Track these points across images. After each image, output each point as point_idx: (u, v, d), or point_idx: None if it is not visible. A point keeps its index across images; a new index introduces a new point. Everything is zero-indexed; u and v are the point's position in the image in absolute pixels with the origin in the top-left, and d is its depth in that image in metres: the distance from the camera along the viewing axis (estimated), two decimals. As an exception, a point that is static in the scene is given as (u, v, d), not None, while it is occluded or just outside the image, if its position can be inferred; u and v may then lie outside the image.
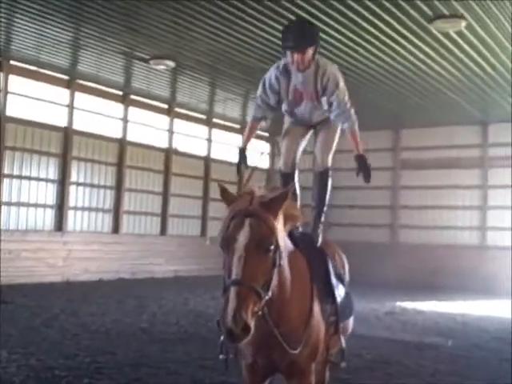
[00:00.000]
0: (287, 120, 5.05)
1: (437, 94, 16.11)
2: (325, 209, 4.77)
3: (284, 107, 4.92)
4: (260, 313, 2.94)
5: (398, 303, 14.57)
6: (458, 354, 8.55)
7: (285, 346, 3.33)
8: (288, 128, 5.03)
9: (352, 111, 4.64)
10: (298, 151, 4.97)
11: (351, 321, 4.48)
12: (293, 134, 4.96)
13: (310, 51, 4.48)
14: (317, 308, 3.63)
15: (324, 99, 4.63)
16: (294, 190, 4.59)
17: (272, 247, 2.97)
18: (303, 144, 5.04)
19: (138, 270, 17.52)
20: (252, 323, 2.78)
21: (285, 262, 3.28)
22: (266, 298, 2.94)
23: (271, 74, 4.71)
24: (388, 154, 21.76)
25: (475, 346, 9.23)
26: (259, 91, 4.81)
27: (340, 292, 4.10)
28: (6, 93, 15.01)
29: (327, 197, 4.80)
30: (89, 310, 11.27)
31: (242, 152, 4.75)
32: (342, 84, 4.61)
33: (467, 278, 18.44)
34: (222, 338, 3.58)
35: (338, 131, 4.91)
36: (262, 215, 3.01)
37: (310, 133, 5.08)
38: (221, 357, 3.65)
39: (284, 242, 3.27)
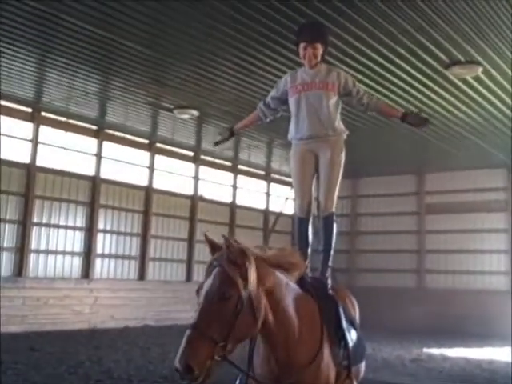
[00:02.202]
0: (293, 139, 5.00)
1: (458, 138, 16.17)
2: (332, 253, 4.83)
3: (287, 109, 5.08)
4: (218, 359, 3.04)
5: (425, 349, 14.39)
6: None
7: None
8: (296, 159, 4.95)
9: (374, 95, 5.19)
10: (312, 191, 4.95)
11: (363, 365, 4.51)
12: (302, 170, 4.89)
13: (321, 49, 4.92)
14: (327, 351, 3.69)
15: (345, 90, 4.93)
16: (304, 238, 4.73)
17: (231, 296, 3.09)
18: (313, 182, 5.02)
19: (163, 317, 17.56)
20: (197, 367, 2.92)
21: (284, 305, 3.42)
22: (222, 344, 3.03)
23: (284, 76, 5.15)
24: (413, 198, 21.75)
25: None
26: (272, 92, 5.21)
27: (352, 336, 4.15)
28: (37, 143, 15.49)
29: (333, 241, 4.84)
30: (113, 357, 11.35)
31: (229, 129, 5.20)
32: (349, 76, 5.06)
33: (495, 324, 18.12)
34: (237, 382, 3.72)
35: (341, 173, 4.88)
36: (224, 267, 3.18)
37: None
38: None
39: (273, 291, 3.38)
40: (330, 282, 4.46)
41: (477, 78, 11.66)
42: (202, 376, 2.97)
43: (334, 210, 4.79)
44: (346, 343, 3.99)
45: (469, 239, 20.25)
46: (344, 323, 4.07)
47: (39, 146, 15.58)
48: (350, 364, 4.01)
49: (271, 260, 3.49)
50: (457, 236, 20.49)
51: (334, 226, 4.82)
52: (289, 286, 3.57)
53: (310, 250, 4.74)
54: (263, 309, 3.28)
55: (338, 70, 5.05)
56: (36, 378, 8.79)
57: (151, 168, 18.55)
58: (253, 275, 3.23)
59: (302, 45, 4.92)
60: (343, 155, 4.90)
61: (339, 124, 4.92)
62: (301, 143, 4.92)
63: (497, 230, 19.93)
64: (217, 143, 5.17)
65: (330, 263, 4.71)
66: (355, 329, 4.30)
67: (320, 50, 4.92)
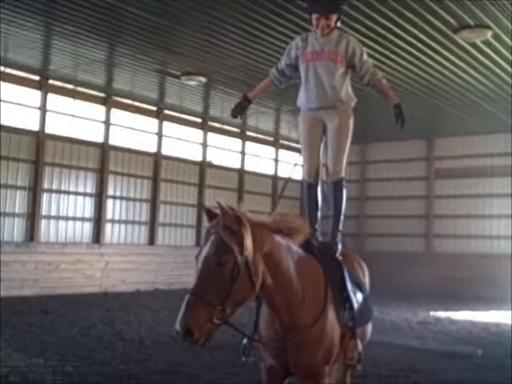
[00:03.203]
0: (302, 106, 5.00)
1: (468, 102, 16.09)
2: (341, 218, 4.87)
3: (297, 75, 5.01)
4: (218, 322, 3.16)
5: (432, 313, 14.55)
6: (487, 363, 8.56)
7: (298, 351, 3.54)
8: (304, 125, 4.95)
9: (378, 74, 4.95)
10: (320, 156, 4.96)
11: (370, 326, 4.61)
12: (310, 136, 4.90)
13: (334, 18, 4.77)
14: (331, 313, 3.80)
15: (350, 62, 4.84)
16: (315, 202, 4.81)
17: (226, 263, 3.18)
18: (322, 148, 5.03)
19: (173, 280, 17.83)
20: (197, 329, 3.06)
21: (285, 269, 3.53)
22: (220, 308, 3.14)
23: (295, 41, 4.98)
24: (422, 163, 21.75)
25: (507, 356, 9.19)
26: (282, 58, 5.06)
27: (358, 298, 4.25)
28: (45, 111, 15.57)
29: (343, 206, 4.88)
30: (125, 319, 11.58)
31: (244, 99, 5.04)
32: (365, 53, 4.92)
33: (502, 287, 18.27)
34: (244, 341, 3.85)
35: (349, 139, 4.89)
36: (220, 234, 3.26)
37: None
38: (243, 359, 3.92)
39: (271, 256, 3.46)
40: (339, 246, 4.54)
41: (486, 42, 11.56)
42: (203, 339, 3.11)
43: (343, 175, 4.81)
44: (351, 305, 4.09)
45: (477, 204, 20.30)
46: (349, 285, 4.17)
47: (48, 114, 15.66)
48: (354, 325, 4.12)
49: (271, 225, 3.59)
50: (465, 201, 20.55)
51: (344, 191, 4.87)
52: (291, 250, 3.66)
53: (319, 215, 4.81)
54: (260, 273, 3.37)
55: (348, 39, 4.88)
56: (49, 340, 9.01)
57: (159, 134, 18.62)
58: (248, 241, 3.31)
59: (314, 15, 4.76)
60: (351, 122, 4.90)
61: (347, 94, 4.87)
62: (309, 111, 4.94)
63: (505, 195, 19.93)
64: (234, 112, 5.07)
65: (339, 228, 4.78)
66: (362, 291, 4.39)
67: (334, 20, 4.78)
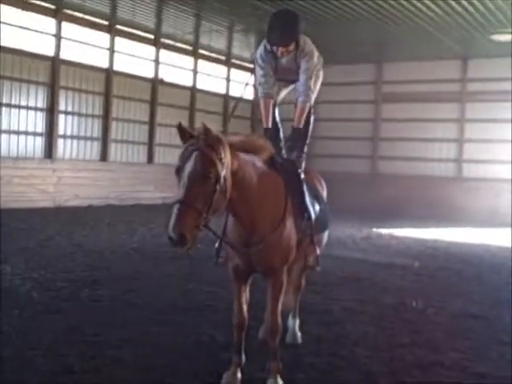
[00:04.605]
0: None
1: (418, 28, 16.39)
2: (307, 141, 5.35)
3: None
4: (201, 228, 3.61)
5: (375, 229, 15.40)
6: (423, 273, 9.39)
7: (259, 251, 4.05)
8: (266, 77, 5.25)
9: (312, 94, 5.20)
10: (276, 109, 5.40)
11: (326, 233, 5.22)
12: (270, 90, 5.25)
13: (293, 44, 5.00)
14: (289, 222, 4.30)
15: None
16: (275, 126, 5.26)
17: (211, 175, 3.60)
18: (282, 95, 5.57)
19: (126, 196, 18.14)
20: (188, 234, 3.48)
21: (248, 182, 3.98)
22: (205, 215, 3.59)
23: (261, 51, 5.20)
24: (370, 87, 22.22)
25: (441, 268, 10.07)
26: (257, 70, 5.27)
27: (316, 209, 4.76)
28: (-5, 22, 15.15)
29: (310, 129, 5.37)
30: (81, 232, 11.91)
31: (269, 131, 5.15)
32: (315, 60, 5.14)
33: (442, 207, 19.34)
34: (216, 245, 4.32)
35: (322, 73, 5.38)
36: (204, 149, 3.63)
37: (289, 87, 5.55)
38: (214, 261, 4.47)
39: (237, 171, 3.88)
40: (303, 164, 5.03)
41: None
42: (191, 243, 3.53)
43: (312, 101, 5.24)
44: (309, 215, 4.62)
45: (422, 128, 20.97)
46: (307, 198, 4.66)
47: (-2, 25, 15.25)
48: (312, 233, 4.65)
49: (238, 145, 4.02)
50: (411, 124, 21.20)
51: (312, 116, 5.40)
52: (255, 166, 4.10)
53: (281, 133, 5.24)
54: (230, 187, 3.81)
55: (306, 53, 5.10)
56: (10, 250, 9.18)
57: (111, 50, 18.37)
58: (227, 158, 3.76)
59: (273, 47, 5.03)
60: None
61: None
62: None
63: (448, 120, 20.73)
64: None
65: (305, 149, 5.26)
66: (319, 203, 4.89)
67: (292, 45, 5.01)
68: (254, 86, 23.61)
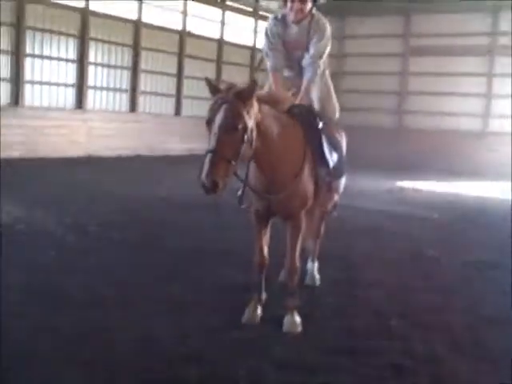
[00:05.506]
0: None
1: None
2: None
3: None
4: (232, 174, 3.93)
5: (398, 183, 15.56)
6: (442, 224, 9.64)
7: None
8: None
9: (319, 69, 5.15)
10: None
11: (343, 180, 5.48)
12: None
13: (309, 4, 4.96)
14: (307, 170, 4.58)
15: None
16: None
17: (240, 127, 3.87)
18: None
19: (154, 147, 18.50)
20: (221, 181, 3.76)
21: (271, 133, 4.23)
22: (234, 164, 3.87)
23: (271, 24, 5.20)
24: (398, 40, 22.04)
25: (460, 219, 10.29)
26: (264, 44, 5.28)
27: (333, 157, 5.00)
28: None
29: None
30: (111, 181, 12.28)
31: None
32: (326, 37, 5.08)
33: (467, 162, 19.37)
34: (239, 192, 4.59)
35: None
36: (233, 102, 3.89)
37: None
38: (239, 205, 4.68)
39: (261, 122, 4.12)
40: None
41: None
42: (222, 189, 3.83)
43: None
44: (327, 163, 4.87)
45: (450, 82, 20.86)
46: (325, 146, 4.91)
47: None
48: (330, 180, 4.93)
49: (262, 98, 4.25)
50: (439, 79, 21.09)
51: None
52: (276, 118, 4.35)
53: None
54: (256, 137, 4.09)
55: (318, 24, 5.04)
56: (42, 195, 9.69)
57: (140, 1, 18.47)
58: (254, 111, 4.04)
59: None
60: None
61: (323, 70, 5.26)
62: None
63: (478, 74, 20.54)
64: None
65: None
66: (337, 152, 5.12)
67: (309, 5, 4.95)
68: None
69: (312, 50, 5.05)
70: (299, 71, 5.21)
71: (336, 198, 5.20)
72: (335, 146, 5.17)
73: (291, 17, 4.98)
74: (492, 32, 20.23)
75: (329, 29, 5.11)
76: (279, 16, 5.15)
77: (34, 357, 3.82)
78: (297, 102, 4.87)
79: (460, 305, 5.41)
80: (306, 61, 5.10)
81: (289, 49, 5.16)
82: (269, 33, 5.20)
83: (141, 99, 18.99)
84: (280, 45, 5.15)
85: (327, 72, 5.45)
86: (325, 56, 5.14)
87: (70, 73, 16.94)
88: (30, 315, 4.47)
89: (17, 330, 4.16)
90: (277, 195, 4.40)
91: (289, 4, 4.94)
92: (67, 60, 16.83)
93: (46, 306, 4.72)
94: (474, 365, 4.11)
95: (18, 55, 15.45)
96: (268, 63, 5.28)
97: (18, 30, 15.38)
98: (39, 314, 4.53)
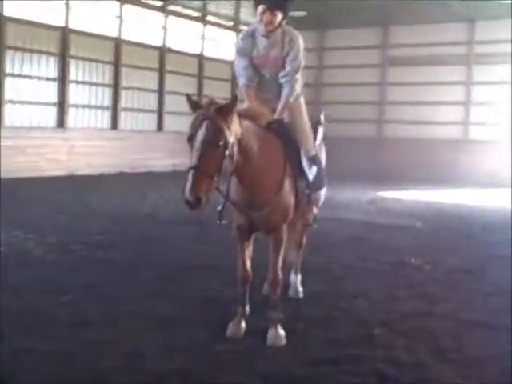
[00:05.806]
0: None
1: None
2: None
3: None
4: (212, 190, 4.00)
5: (380, 193, 15.69)
6: (424, 233, 9.75)
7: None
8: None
9: (296, 85, 5.04)
10: None
11: (323, 192, 5.56)
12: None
13: (280, 16, 4.83)
14: (288, 180, 4.65)
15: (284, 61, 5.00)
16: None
17: (221, 143, 3.94)
18: None
19: (137, 164, 18.52)
20: (204, 196, 3.86)
21: (251, 148, 4.30)
22: (216, 179, 3.96)
23: (239, 39, 5.17)
24: (376, 51, 22.27)
25: (441, 227, 10.41)
26: (236, 60, 5.18)
27: (312, 171, 5.08)
28: (4, -7, 15.34)
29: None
30: (94, 199, 12.27)
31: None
32: (301, 53, 5.00)
33: (447, 170, 19.56)
34: (219, 208, 4.65)
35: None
36: (214, 118, 3.97)
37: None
38: (218, 222, 4.78)
39: (242, 137, 4.19)
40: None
41: None
42: (205, 203, 3.91)
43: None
44: (306, 177, 4.95)
45: (429, 91, 21.11)
46: (304, 160, 4.99)
47: (7, -4, 15.45)
48: (310, 193, 5.01)
49: (243, 113, 4.33)
50: (417, 88, 21.31)
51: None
52: (256, 133, 4.43)
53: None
54: (237, 152, 4.15)
55: (290, 37, 4.95)
56: (23, 216, 9.61)
57: (120, 18, 18.55)
58: (235, 127, 4.12)
59: (260, 7, 4.80)
60: (302, 102, 5.35)
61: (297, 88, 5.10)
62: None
63: (455, 83, 20.81)
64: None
65: None
66: (316, 165, 5.19)
67: (279, 17, 4.84)
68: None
69: (288, 67, 4.98)
70: (272, 89, 5.10)
71: (315, 210, 5.27)
72: (314, 159, 5.25)
73: (261, 30, 4.90)
74: (468, 41, 20.51)
75: (301, 42, 5.04)
76: (250, 31, 5.07)
77: (20, 377, 3.83)
78: (275, 117, 4.88)
79: (443, 312, 5.48)
80: (282, 79, 5.01)
81: (259, 64, 5.05)
82: (239, 50, 5.12)
83: (122, 116, 19.03)
84: (250, 60, 5.05)
85: (302, 99, 5.34)
86: (300, 70, 5.04)
87: (51, 91, 16.94)
88: (12, 337, 4.47)
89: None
90: (258, 211, 4.47)
91: (258, 17, 4.84)
92: (48, 79, 16.84)
93: (30, 326, 4.72)
94: (457, 371, 4.16)
95: (-3, 75, 15.44)
96: (240, 80, 5.18)
97: (-2, 50, 15.38)
98: (21, 334, 4.53)
